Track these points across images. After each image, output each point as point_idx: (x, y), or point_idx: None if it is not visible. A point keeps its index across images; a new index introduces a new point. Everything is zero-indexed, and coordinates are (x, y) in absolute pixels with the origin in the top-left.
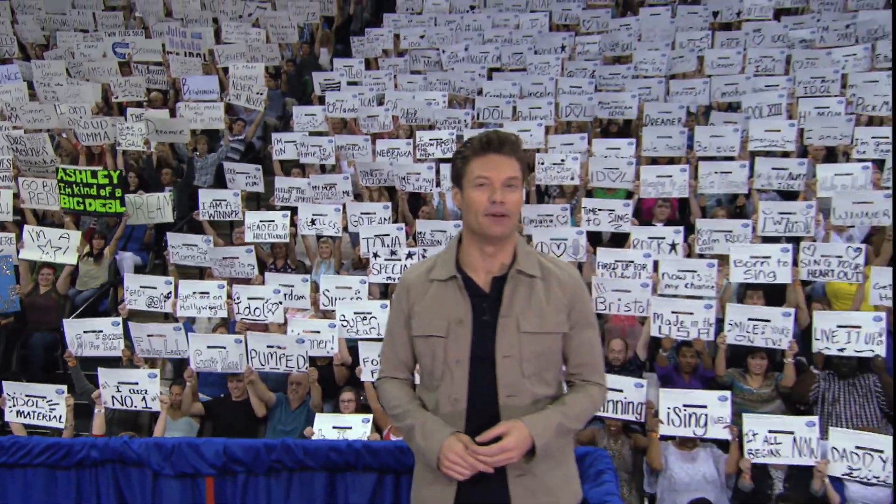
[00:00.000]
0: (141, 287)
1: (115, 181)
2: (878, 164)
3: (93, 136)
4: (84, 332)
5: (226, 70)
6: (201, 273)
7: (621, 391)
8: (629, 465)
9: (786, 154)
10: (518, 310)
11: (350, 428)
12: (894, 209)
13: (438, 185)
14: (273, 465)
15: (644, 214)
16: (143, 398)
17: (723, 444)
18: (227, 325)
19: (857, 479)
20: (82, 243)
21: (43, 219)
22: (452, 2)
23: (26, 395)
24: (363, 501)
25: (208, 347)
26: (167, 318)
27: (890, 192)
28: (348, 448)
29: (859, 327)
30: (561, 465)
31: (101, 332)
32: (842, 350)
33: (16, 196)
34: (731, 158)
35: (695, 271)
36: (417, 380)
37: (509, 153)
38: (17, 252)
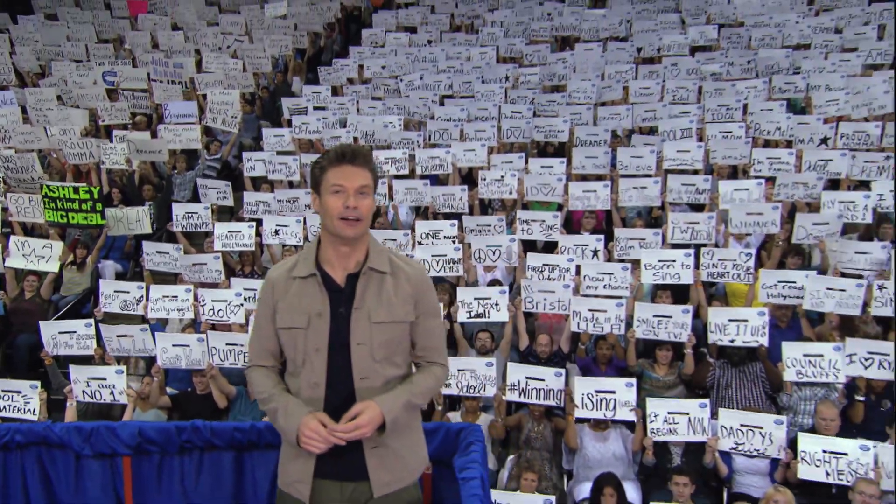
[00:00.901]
0: (115, 291)
1: (96, 196)
2: (771, 180)
3: (79, 156)
4: (59, 332)
5: (205, 96)
6: (177, 279)
7: (543, 380)
8: (550, 445)
9: (695, 172)
10: (369, 303)
11: None
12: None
13: (391, 198)
14: (184, 445)
15: (574, 225)
16: (112, 392)
17: (631, 426)
18: (195, 325)
19: (742, 452)
20: (65, 252)
21: (31, 231)
22: (412, 37)
23: (2, 391)
24: (267, 476)
25: (173, 346)
26: (144, 319)
27: (779, 204)
28: (251, 428)
29: (746, 321)
30: (410, 436)
31: (75, 332)
32: (732, 341)
33: (5, 210)
34: (648, 176)
35: (611, 274)
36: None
37: (362, 164)
38: (3, 260)
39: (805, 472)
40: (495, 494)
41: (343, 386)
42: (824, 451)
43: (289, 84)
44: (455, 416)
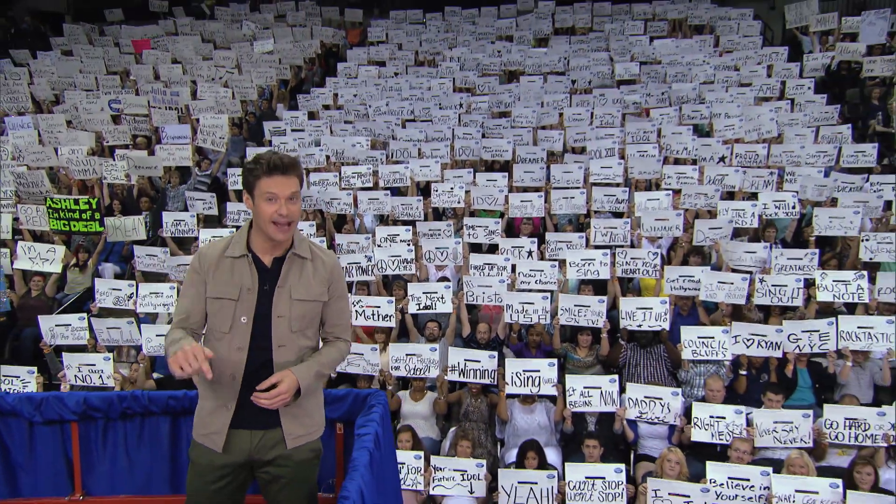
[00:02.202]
0: (110, 289)
1: (94, 207)
2: (678, 192)
3: (84, 172)
4: (56, 325)
5: (198, 120)
6: (165, 279)
7: (479, 362)
8: (486, 418)
9: (616, 185)
10: (291, 282)
11: None
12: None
13: (356, 207)
14: (125, 412)
15: (515, 230)
16: (100, 376)
17: (554, 400)
18: None
19: (646, 420)
20: (68, 255)
21: (40, 237)
22: (381, 70)
23: (4, 376)
24: None
25: (157, 335)
26: (135, 313)
27: (682, 211)
28: (184, 396)
29: (651, 308)
30: (316, 398)
31: (70, 325)
32: (639, 325)
33: (16, 219)
34: (577, 188)
35: (542, 271)
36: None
37: (291, 173)
38: (11, 263)
39: (697, 435)
40: (436, 460)
41: (263, 352)
42: (710, 416)
43: (273, 110)
44: (405, 395)
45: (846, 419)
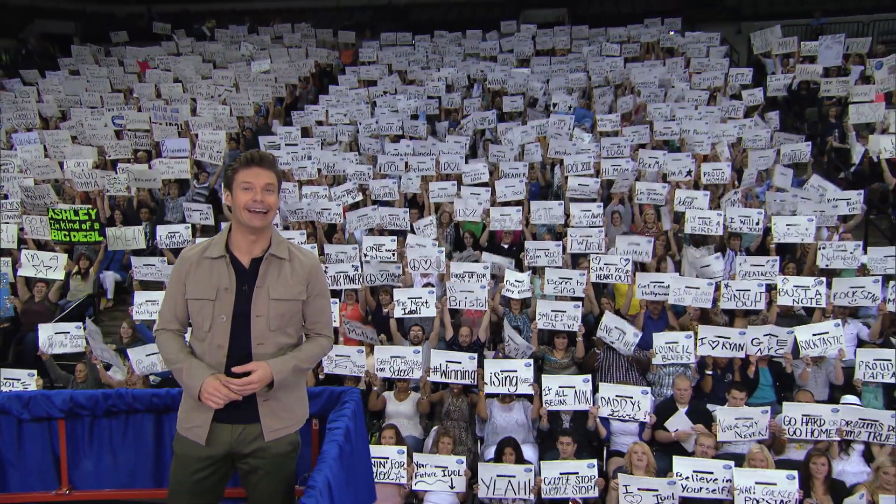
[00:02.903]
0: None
1: (94, 217)
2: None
3: (86, 185)
4: (55, 333)
5: (197, 135)
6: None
7: (460, 363)
8: (466, 416)
9: (592, 200)
10: (269, 282)
11: None
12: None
13: (344, 218)
14: (110, 409)
15: (497, 239)
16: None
17: (532, 399)
18: None
19: (617, 417)
20: (70, 263)
21: (45, 246)
22: (371, 89)
23: (5, 378)
24: None
25: (146, 355)
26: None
27: (653, 239)
28: (166, 394)
29: (625, 333)
30: (296, 392)
31: (68, 333)
32: (612, 342)
33: (21, 230)
34: (556, 199)
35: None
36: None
37: (268, 167)
38: (15, 271)
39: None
40: (418, 457)
41: (242, 350)
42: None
43: (269, 126)
44: (390, 395)
45: (803, 416)
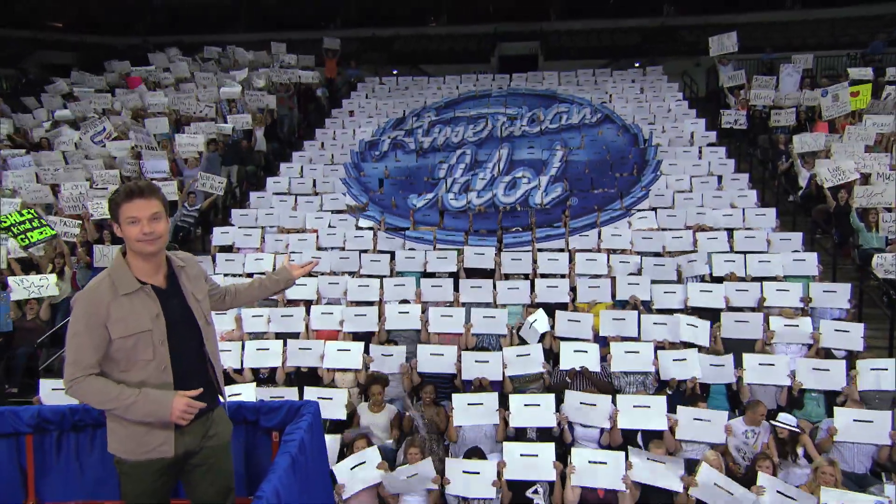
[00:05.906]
0: None
1: (34, 214)
2: None
3: (74, 208)
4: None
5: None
6: None
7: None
8: (437, 428)
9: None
10: (190, 288)
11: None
12: None
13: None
14: (77, 423)
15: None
16: None
17: None
18: None
19: (581, 423)
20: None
21: (37, 266)
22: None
23: None
24: None
25: (52, 390)
26: None
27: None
28: None
29: (586, 351)
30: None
31: None
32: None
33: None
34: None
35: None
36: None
37: (150, 196)
38: (8, 296)
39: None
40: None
41: (185, 360)
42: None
43: (252, 146)
44: (363, 407)
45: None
